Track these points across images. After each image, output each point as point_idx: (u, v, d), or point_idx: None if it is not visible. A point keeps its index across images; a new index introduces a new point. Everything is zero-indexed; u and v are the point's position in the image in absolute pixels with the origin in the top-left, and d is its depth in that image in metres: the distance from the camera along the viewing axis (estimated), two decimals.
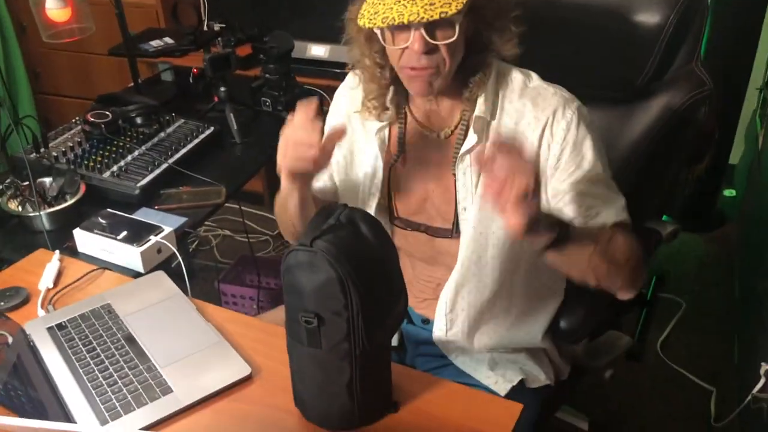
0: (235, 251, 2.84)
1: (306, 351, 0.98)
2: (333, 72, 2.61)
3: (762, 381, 1.60)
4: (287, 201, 1.23)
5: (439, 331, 1.36)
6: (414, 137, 1.29)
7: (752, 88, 2.66)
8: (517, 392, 1.32)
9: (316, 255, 0.91)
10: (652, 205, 1.66)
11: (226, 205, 1.82)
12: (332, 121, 1.38)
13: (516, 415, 1.04)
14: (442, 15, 1.05)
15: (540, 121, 1.20)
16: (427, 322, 1.44)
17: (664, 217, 1.84)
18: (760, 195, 2.33)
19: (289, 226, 1.32)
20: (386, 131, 1.30)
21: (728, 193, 2.98)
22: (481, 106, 1.20)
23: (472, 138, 1.22)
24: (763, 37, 2.54)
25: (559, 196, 1.22)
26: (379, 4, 1.09)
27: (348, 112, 1.34)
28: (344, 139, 1.21)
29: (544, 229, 1.04)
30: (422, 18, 1.05)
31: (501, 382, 1.33)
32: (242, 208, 3.01)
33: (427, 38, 1.09)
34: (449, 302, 1.33)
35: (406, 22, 1.06)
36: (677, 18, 1.51)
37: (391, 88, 1.25)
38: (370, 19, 1.09)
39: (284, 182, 1.19)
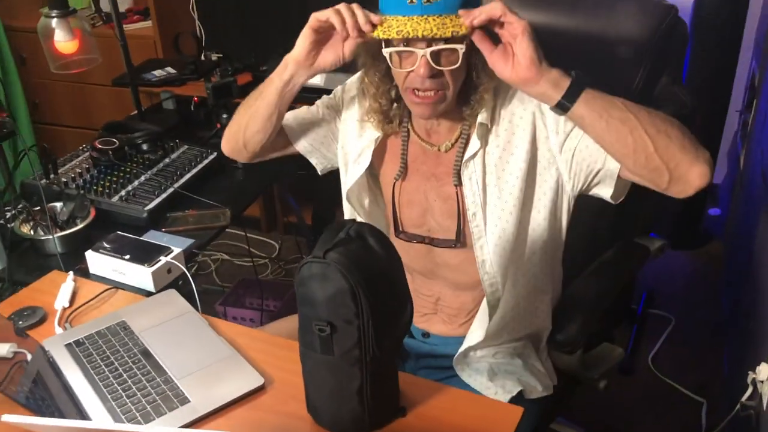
0: (233, 275, 2.89)
1: (319, 358, 1.03)
2: None
3: (750, 389, 1.66)
4: (267, 93, 1.35)
5: (475, 340, 1.38)
6: (415, 152, 1.37)
7: (732, 111, 2.77)
8: (517, 403, 1.37)
9: (329, 266, 0.97)
10: (640, 222, 1.73)
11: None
12: (334, 102, 1.47)
13: (517, 418, 1.10)
14: (454, 33, 1.13)
15: (528, 110, 1.27)
16: (427, 335, 1.50)
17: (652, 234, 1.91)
18: (743, 213, 2.41)
19: (240, 127, 1.42)
20: (382, 141, 1.38)
21: (713, 212, 3.06)
22: (483, 115, 1.27)
23: (474, 144, 1.29)
24: (741, 61, 2.65)
25: (572, 156, 1.25)
26: (393, 20, 1.16)
27: (347, 114, 1.43)
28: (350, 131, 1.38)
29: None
30: (435, 34, 1.13)
31: (501, 393, 1.38)
32: (241, 231, 3.08)
33: (432, 64, 1.17)
34: (487, 312, 1.36)
35: (420, 36, 1.14)
36: (658, 44, 1.60)
37: (395, 105, 1.33)
38: (384, 31, 1.17)
39: (289, 65, 1.32)
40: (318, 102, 1.49)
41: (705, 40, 2.53)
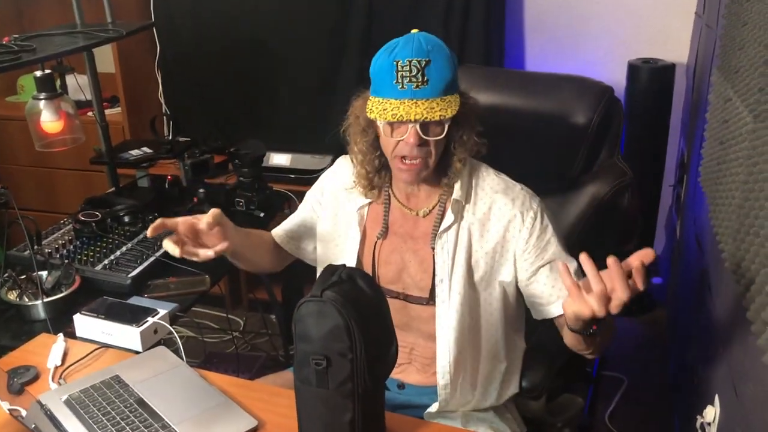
0: (198, 352, 2.92)
1: (314, 392, 1.13)
2: (296, 178, 2.86)
3: None
4: None
5: (445, 400, 1.50)
6: (395, 216, 1.51)
7: (666, 186, 3.02)
8: None
9: (326, 304, 1.09)
10: None
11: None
12: (314, 196, 1.63)
13: None
14: (442, 117, 1.32)
15: (509, 208, 1.44)
16: (402, 386, 1.59)
17: None
18: (683, 280, 2.61)
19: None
20: (366, 209, 1.52)
21: (656, 281, 3.27)
22: (458, 191, 1.44)
23: (449, 217, 1.45)
24: (671, 139, 2.92)
25: (529, 279, 1.45)
26: (386, 102, 1.33)
27: (333, 190, 1.57)
28: (329, 212, 1.53)
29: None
30: (426, 118, 1.31)
31: None
32: (204, 310, 3.14)
33: (421, 134, 1.34)
34: (450, 368, 1.48)
35: (413, 119, 1.31)
36: (598, 120, 1.81)
37: (377, 175, 1.48)
38: (380, 114, 1.33)
39: None
40: (307, 197, 1.66)
41: (637, 120, 2.81)
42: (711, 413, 1.69)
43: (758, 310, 1.11)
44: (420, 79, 1.31)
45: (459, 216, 1.45)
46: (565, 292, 1.39)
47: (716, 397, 1.65)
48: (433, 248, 1.46)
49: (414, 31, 1.37)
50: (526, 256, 1.44)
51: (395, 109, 1.32)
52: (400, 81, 1.31)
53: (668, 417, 2.46)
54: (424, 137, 1.35)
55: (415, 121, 1.31)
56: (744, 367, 1.37)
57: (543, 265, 1.44)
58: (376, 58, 1.37)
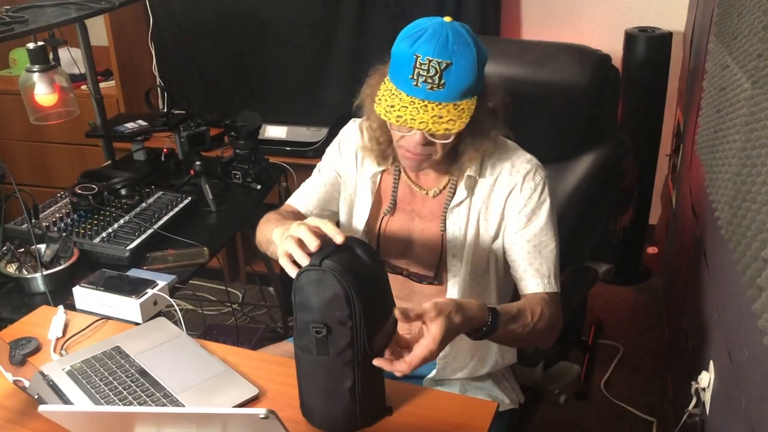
0: (198, 324, 2.94)
1: (315, 360, 1.14)
2: (292, 150, 2.85)
3: (694, 399, 1.81)
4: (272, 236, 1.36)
5: (442, 368, 1.51)
6: (405, 192, 1.50)
7: (662, 155, 3.02)
8: None
9: (325, 273, 1.09)
10: (588, 248, 1.91)
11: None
12: (336, 153, 1.55)
13: (492, 411, 1.22)
14: (446, 131, 1.26)
15: (514, 177, 1.42)
16: None
17: None
18: (678, 249, 2.63)
19: (263, 246, 1.49)
20: (379, 177, 1.50)
21: (651, 250, 3.29)
22: (471, 168, 1.41)
23: (461, 193, 1.43)
24: (667, 109, 2.92)
25: (507, 247, 1.44)
26: (396, 97, 1.27)
27: (349, 149, 1.53)
28: (350, 170, 1.49)
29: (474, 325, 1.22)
30: (429, 129, 1.25)
31: None
32: (203, 283, 3.15)
33: (427, 136, 1.30)
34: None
35: (416, 128, 1.26)
36: (595, 88, 1.81)
37: (390, 147, 1.44)
38: (386, 112, 1.28)
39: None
40: (318, 166, 1.59)
41: (634, 89, 2.80)
42: (706, 378, 1.72)
43: (753, 276, 1.13)
44: (436, 82, 1.24)
45: (471, 191, 1.44)
46: (535, 273, 1.41)
47: (711, 363, 1.68)
48: (443, 230, 1.45)
49: (447, 19, 1.27)
50: (513, 224, 1.42)
51: (402, 109, 1.26)
52: (415, 78, 1.25)
53: (663, 384, 2.50)
54: (431, 139, 1.31)
55: (419, 130, 1.27)
56: (738, 333, 1.39)
57: (526, 238, 1.42)
58: (399, 41, 1.28)
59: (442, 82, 1.24)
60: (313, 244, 1.13)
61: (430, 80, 1.24)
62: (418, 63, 1.24)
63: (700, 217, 2.06)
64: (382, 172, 1.50)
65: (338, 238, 1.13)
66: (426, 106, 1.26)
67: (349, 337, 1.11)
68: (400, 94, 1.28)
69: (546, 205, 1.43)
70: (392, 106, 1.28)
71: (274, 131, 2.93)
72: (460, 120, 1.27)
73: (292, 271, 1.14)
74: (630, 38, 2.80)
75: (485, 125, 1.36)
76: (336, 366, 1.14)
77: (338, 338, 1.12)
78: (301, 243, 1.15)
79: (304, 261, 1.12)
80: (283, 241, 1.17)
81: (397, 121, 1.27)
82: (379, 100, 1.31)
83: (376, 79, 1.38)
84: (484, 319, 1.22)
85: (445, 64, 1.24)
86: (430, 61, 1.23)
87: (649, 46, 2.76)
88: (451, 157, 1.41)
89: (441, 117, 1.26)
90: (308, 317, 1.12)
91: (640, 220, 3.04)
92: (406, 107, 1.26)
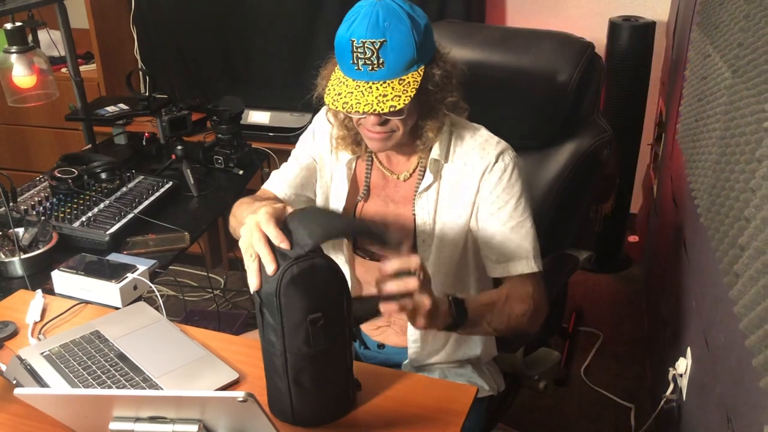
0: (179, 310, 2.93)
1: (312, 352, 1.10)
2: (275, 136, 2.84)
3: (671, 385, 1.84)
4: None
5: (416, 352, 1.52)
6: (377, 178, 1.50)
7: (644, 144, 3.04)
8: None
9: (314, 259, 1.07)
10: (569, 236, 1.92)
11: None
12: (311, 139, 1.55)
13: (471, 396, 1.23)
14: (391, 108, 1.26)
15: (484, 161, 1.42)
16: (382, 347, 1.61)
17: None
18: (658, 240, 2.65)
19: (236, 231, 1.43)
20: (354, 163, 1.51)
21: (632, 239, 3.32)
22: (436, 151, 1.41)
23: (428, 177, 1.43)
24: (650, 97, 2.94)
25: (482, 232, 1.44)
26: (343, 85, 1.28)
27: (323, 133, 1.53)
28: (326, 164, 1.49)
29: (441, 320, 1.24)
30: (375, 109, 1.25)
31: None
32: (184, 269, 3.14)
33: (379, 116, 1.30)
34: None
35: (361, 111, 1.26)
36: (579, 76, 1.81)
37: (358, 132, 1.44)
38: (333, 101, 1.28)
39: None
40: (294, 153, 1.58)
41: (617, 78, 2.82)
42: (683, 365, 1.74)
43: (731, 263, 1.14)
44: (375, 62, 1.25)
45: (438, 175, 1.44)
46: (513, 255, 1.41)
47: (688, 350, 1.70)
48: (414, 213, 1.46)
49: None
50: (488, 207, 1.42)
51: (348, 95, 1.27)
52: (356, 62, 1.26)
53: (642, 370, 2.53)
54: (384, 116, 1.31)
55: (364, 113, 1.28)
56: (715, 320, 1.41)
57: (502, 221, 1.42)
58: (339, 29, 1.29)
59: (381, 60, 1.25)
60: (283, 244, 1.09)
61: (369, 62, 1.25)
62: (354, 47, 1.25)
63: (680, 206, 2.08)
64: (357, 158, 1.51)
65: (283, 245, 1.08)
66: (370, 87, 1.27)
67: (341, 321, 1.11)
68: (347, 80, 1.29)
69: (518, 186, 1.42)
70: (339, 94, 1.29)
71: (257, 116, 2.91)
72: (405, 94, 1.27)
73: (256, 282, 1.09)
74: (614, 27, 2.80)
75: (438, 93, 1.36)
76: (335, 351, 1.13)
77: (333, 324, 1.10)
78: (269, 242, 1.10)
79: (271, 266, 1.08)
80: (253, 239, 1.10)
81: (344, 108, 1.27)
82: (329, 90, 1.31)
83: (329, 69, 1.38)
84: (449, 310, 1.24)
85: (379, 43, 1.24)
86: (364, 43, 1.24)
87: (632, 35, 2.77)
88: (415, 132, 1.41)
89: (385, 95, 1.26)
90: (301, 308, 1.07)
91: (622, 209, 3.07)
92: (352, 92, 1.27)
